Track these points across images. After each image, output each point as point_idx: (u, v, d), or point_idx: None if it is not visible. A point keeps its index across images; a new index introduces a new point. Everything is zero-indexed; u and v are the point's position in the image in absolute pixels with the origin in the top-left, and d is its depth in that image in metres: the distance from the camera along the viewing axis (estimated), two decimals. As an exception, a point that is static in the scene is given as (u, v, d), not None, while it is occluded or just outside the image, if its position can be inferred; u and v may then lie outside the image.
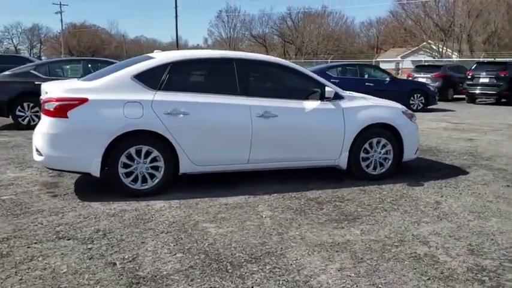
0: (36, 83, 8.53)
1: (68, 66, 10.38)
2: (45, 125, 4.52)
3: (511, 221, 4.11)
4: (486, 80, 16.93)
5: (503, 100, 17.35)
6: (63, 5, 68.82)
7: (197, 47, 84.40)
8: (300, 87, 5.38)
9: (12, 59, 16.84)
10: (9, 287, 2.83)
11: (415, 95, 14.05)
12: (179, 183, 5.02)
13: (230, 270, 3.07)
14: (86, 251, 3.36)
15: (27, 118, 9.21)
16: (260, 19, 75.22)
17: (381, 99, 5.93)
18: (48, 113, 4.52)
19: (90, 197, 4.64)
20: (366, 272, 3.05)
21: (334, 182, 5.35)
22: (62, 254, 3.32)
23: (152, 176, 4.74)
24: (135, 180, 4.69)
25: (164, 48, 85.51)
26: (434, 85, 16.41)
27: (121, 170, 4.62)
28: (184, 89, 4.85)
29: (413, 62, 44.74)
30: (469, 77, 17.46)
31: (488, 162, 6.56)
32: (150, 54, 5.28)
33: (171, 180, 4.86)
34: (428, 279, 2.98)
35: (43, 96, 4.72)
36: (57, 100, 4.48)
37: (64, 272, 3.02)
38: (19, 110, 9.14)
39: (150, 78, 4.75)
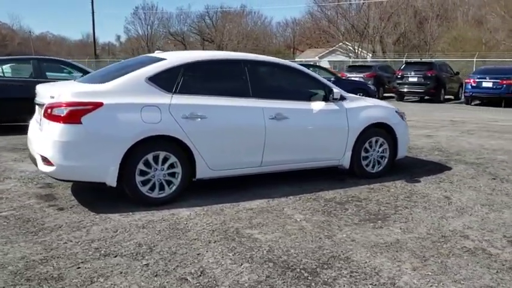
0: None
1: (7, 66, 9.50)
2: (55, 131, 4.13)
3: (520, 212, 4.47)
4: (415, 79, 18.11)
5: (426, 97, 18.69)
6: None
7: (109, 45, 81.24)
8: (306, 88, 5.41)
9: None
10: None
11: (358, 94, 14.62)
12: (191, 190, 4.83)
13: (310, 278, 3.02)
14: (145, 268, 3.14)
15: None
16: (178, 17, 73.85)
17: (373, 99, 6.12)
18: (58, 119, 4.13)
19: (102, 209, 4.32)
20: (440, 270, 3.15)
21: (338, 182, 5.46)
22: (121, 272, 3.07)
23: (169, 183, 4.52)
24: (151, 189, 4.45)
25: (75, 45, 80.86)
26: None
27: (138, 178, 4.36)
28: (199, 92, 4.68)
29: (330, 62, 46.76)
30: (399, 76, 18.58)
31: (460, 157, 7.04)
32: (156, 55, 5.03)
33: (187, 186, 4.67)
34: (497, 272, 3.15)
35: (48, 100, 4.30)
36: (69, 105, 4.12)
37: (140, 292, 2.80)
38: None
39: (164, 81, 4.52)
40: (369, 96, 14.62)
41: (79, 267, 3.12)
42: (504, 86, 16.19)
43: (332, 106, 5.34)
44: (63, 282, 2.91)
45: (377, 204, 4.64)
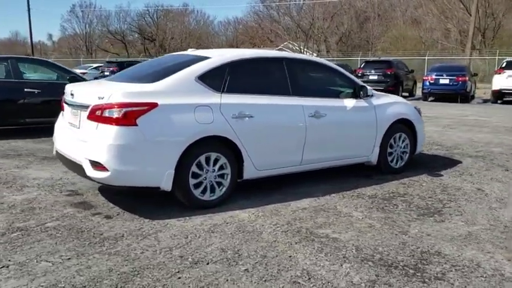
0: None
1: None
2: (109, 134, 3.86)
3: (554, 201, 4.73)
4: (375, 77, 18.69)
5: (385, 95, 19.33)
6: None
7: (40, 44, 77.32)
8: (338, 85, 5.43)
9: None
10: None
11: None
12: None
13: (418, 274, 3.02)
14: (247, 273, 3.00)
15: None
16: (117, 15, 71.95)
17: (394, 95, 6.24)
18: (111, 121, 3.87)
19: (151, 214, 4.10)
20: (534, 259, 3.27)
21: (367, 178, 5.51)
22: (228, 280, 2.92)
23: (219, 185, 4.38)
24: (203, 192, 4.28)
25: (3, 44, 76.19)
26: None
27: (191, 181, 4.18)
28: (244, 91, 4.56)
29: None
30: (359, 74, 19.10)
31: (460, 151, 7.35)
32: (197, 53, 4.86)
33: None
34: None
35: (95, 101, 4.01)
36: (124, 106, 3.87)
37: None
38: None
39: (213, 80, 4.37)
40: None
41: (179, 278, 2.94)
42: (460, 82, 17.10)
43: (362, 103, 5.39)
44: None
45: (421, 199, 4.73)
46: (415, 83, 20.81)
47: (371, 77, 18.73)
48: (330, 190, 4.98)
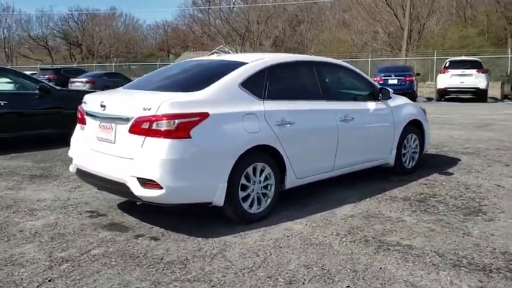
0: None
1: None
2: (161, 149, 3.52)
3: None
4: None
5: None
6: None
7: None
8: (358, 87, 5.37)
9: None
10: None
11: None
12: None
13: (516, 276, 3.02)
14: (353, 291, 2.85)
15: None
16: (39, 19, 68.01)
17: (403, 97, 6.27)
18: (162, 134, 3.54)
19: (200, 232, 3.80)
20: None
21: (386, 181, 5.50)
22: (339, 299, 2.74)
23: (264, 197, 4.16)
24: (251, 205, 4.05)
25: None
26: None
27: (240, 194, 3.93)
28: (282, 97, 4.37)
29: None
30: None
31: (450, 148, 7.59)
32: (225, 58, 4.60)
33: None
34: None
35: (137, 113, 3.64)
36: (176, 117, 3.55)
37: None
38: None
39: (254, 86, 4.14)
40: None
41: (288, 301, 2.72)
42: (408, 82, 17.86)
43: (382, 105, 5.38)
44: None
45: (454, 199, 4.77)
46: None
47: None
48: (361, 195, 4.91)
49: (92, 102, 4.19)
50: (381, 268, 3.15)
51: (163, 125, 3.53)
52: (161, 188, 3.52)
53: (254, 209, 4.05)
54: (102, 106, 3.93)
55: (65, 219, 4.23)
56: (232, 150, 3.79)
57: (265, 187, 4.15)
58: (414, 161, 5.96)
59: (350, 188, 5.14)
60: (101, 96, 4.19)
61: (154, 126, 3.54)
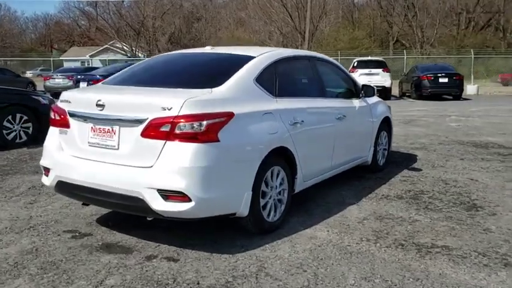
0: None
1: None
2: (189, 154, 3.01)
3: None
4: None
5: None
6: None
7: None
8: (345, 85, 5.21)
9: None
10: None
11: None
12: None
13: None
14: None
15: None
16: None
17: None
18: (188, 138, 3.03)
19: (217, 248, 3.38)
20: None
21: (366, 180, 5.44)
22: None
23: (279, 203, 3.81)
24: (269, 213, 3.68)
25: None
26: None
27: (261, 202, 3.55)
28: (290, 93, 4.06)
29: (102, 61, 44.35)
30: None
31: (398, 144, 7.79)
32: (226, 51, 4.13)
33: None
34: None
35: (154, 113, 3.08)
36: (204, 118, 3.06)
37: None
38: None
39: (266, 82, 3.76)
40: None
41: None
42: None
43: (363, 103, 5.29)
44: None
45: (443, 194, 4.80)
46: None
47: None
48: (354, 195, 4.77)
49: (79, 101, 3.49)
50: (440, 274, 2.99)
51: (189, 127, 3.02)
52: (189, 200, 3.01)
53: (271, 218, 3.69)
54: (100, 106, 3.27)
55: (43, 243, 3.49)
56: (257, 154, 3.39)
57: (280, 193, 3.80)
58: (384, 158, 5.99)
59: (337, 189, 4.97)
60: (94, 93, 3.49)
61: (178, 129, 3.02)
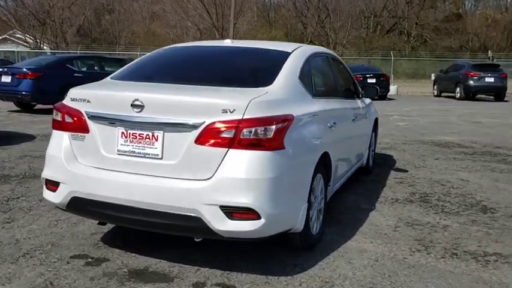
0: None
1: None
2: (259, 164, 2.57)
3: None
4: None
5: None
6: None
7: None
8: (352, 85, 4.98)
9: None
10: None
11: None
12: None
13: None
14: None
15: None
16: None
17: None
18: (256, 145, 2.60)
19: (258, 269, 3.00)
20: None
21: (364, 182, 5.31)
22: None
23: (320, 214, 3.48)
24: (313, 225, 3.33)
25: None
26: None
27: (310, 214, 3.20)
28: (322, 93, 3.75)
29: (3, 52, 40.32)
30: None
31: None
32: (255, 45, 3.71)
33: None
34: None
35: (221, 117, 2.59)
36: (273, 121, 2.64)
37: None
38: None
39: (306, 80, 3.40)
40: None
41: None
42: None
43: (363, 103, 5.12)
44: None
45: (448, 196, 4.78)
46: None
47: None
48: (365, 200, 4.59)
49: (105, 100, 2.87)
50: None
51: (258, 133, 2.59)
52: (258, 217, 2.58)
53: (314, 230, 3.35)
54: (136, 106, 2.70)
55: (55, 275, 2.85)
56: (312, 161, 3.05)
57: (319, 202, 3.47)
58: (371, 159, 5.90)
59: (343, 193, 4.72)
60: (126, 91, 2.88)
61: (244, 135, 2.57)
